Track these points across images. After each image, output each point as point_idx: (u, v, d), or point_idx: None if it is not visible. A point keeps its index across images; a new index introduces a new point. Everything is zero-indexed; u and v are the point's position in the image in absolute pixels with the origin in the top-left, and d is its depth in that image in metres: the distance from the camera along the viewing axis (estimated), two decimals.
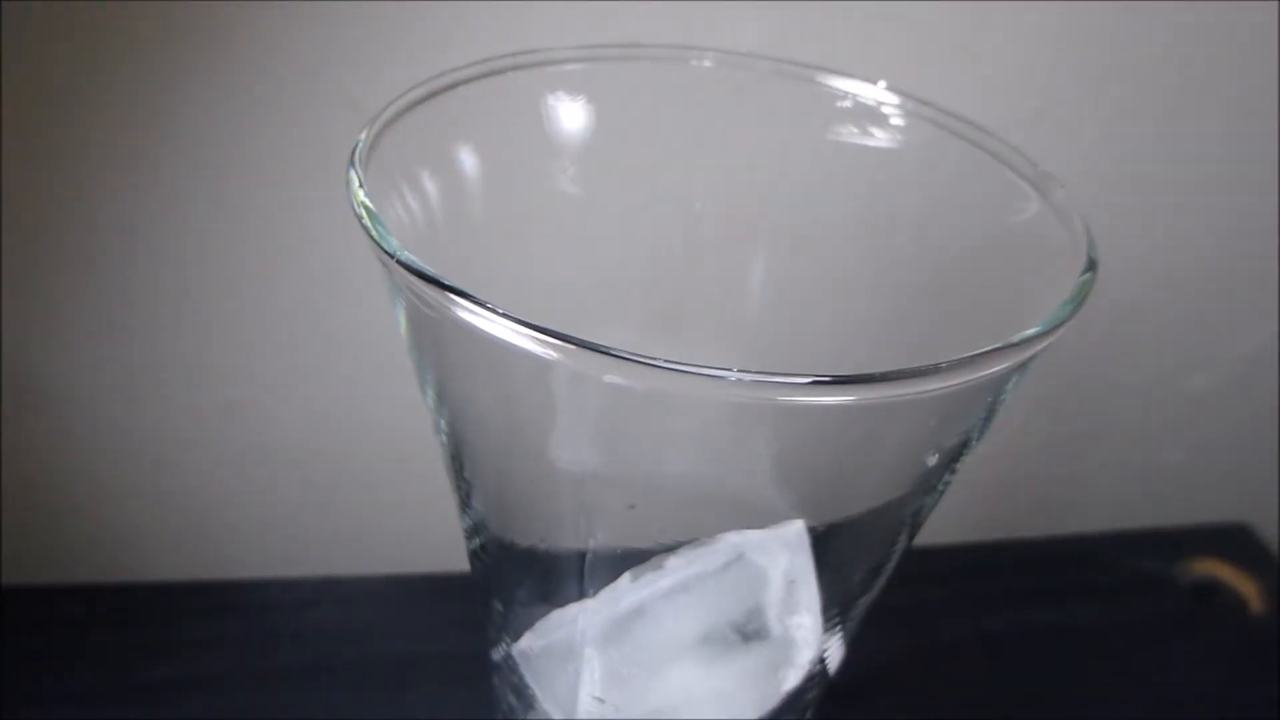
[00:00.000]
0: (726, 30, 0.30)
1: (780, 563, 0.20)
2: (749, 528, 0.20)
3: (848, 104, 0.22)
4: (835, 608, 0.21)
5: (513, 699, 0.22)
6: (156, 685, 0.32)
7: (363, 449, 0.37)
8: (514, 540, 0.20)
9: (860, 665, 0.23)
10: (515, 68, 0.21)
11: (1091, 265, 0.17)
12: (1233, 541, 0.43)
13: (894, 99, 0.22)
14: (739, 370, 0.14)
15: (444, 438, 0.19)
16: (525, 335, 0.14)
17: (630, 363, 0.14)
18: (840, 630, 0.21)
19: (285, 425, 0.36)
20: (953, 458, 0.18)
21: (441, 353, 0.18)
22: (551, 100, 0.21)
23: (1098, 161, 0.37)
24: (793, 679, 0.21)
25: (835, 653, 0.22)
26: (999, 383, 0.17)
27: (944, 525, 0.32)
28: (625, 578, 0.20)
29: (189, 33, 0.28)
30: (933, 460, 0.18)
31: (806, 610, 0.20)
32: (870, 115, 0.22)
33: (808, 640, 0.21)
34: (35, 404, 0.33)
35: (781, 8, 0.30)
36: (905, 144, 0.22)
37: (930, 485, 0.19)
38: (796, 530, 0.20)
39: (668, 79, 0.22)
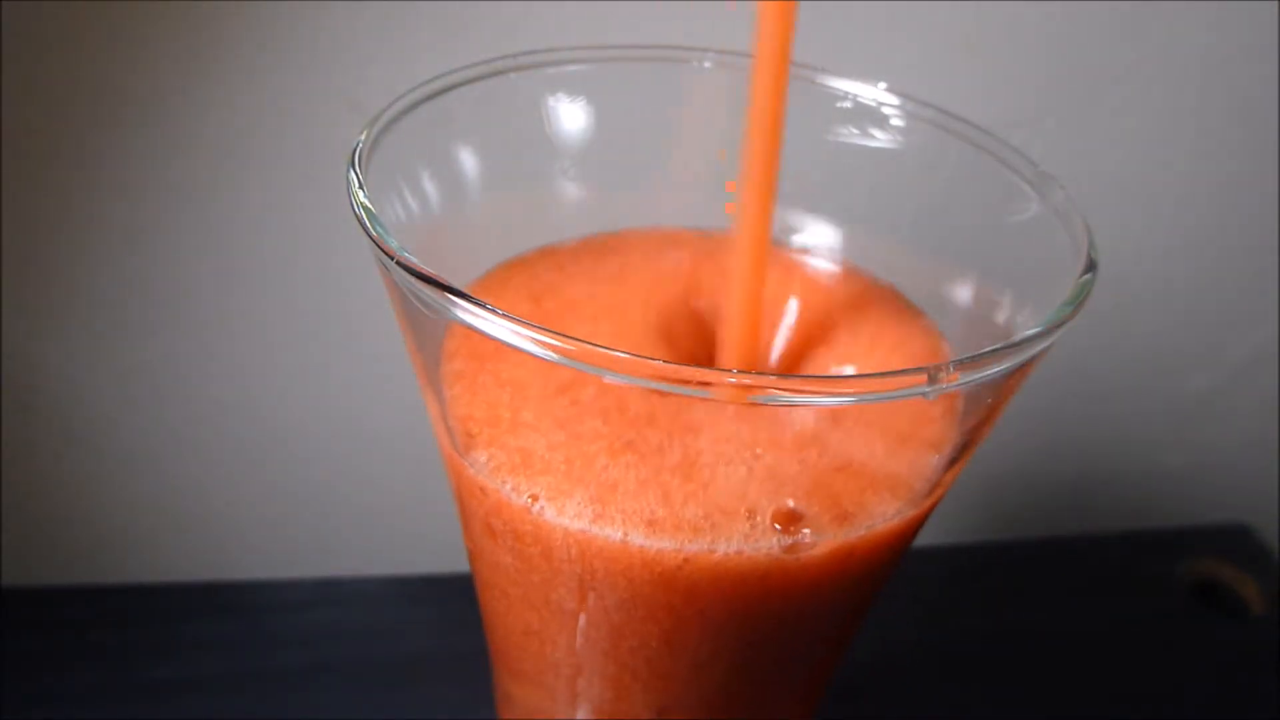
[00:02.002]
0: (726, 30, 0.30)
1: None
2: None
3: (848, 104, 0.22)
4: (836, 609, 0.21)
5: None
6: (156, 685, 0.32)
7: (363, 449, 0.37)
8: None
9: (860, 665, 0.23)
10: (515, 68, 0.21)
11: (1091, 266, 0.17)
12: (1233, 542, 0.43)
13: (894, 99, 0.22)
14: (739, 371, 0.14)
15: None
16: (525, 335, 0.14)
17: (630, 363, 0.14)
18: (840, 631, 0.21)
19: (285, 425, 0.36)
20: (953, 458, 0.18)
21: (441, 353, 0.18)
22: (551, 100, 0.21)
23: (1098, 161, 0.36)
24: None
25: (833, 654, 0.22)
26: (999, 383, 0.17)
27: (944, 525, 0.32)
28: None
29: (189, 33, 0.28)
30: (933, 460, 0.18)
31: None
32: (870, 115, 0.22)
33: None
34: (35, 404, 0.33)
35: None
36: (905, 144, 0.22)
37: (930, 485, 0.19)
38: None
39: (668, 79, 0.22)
